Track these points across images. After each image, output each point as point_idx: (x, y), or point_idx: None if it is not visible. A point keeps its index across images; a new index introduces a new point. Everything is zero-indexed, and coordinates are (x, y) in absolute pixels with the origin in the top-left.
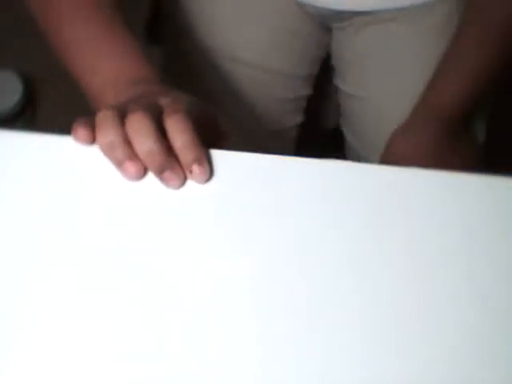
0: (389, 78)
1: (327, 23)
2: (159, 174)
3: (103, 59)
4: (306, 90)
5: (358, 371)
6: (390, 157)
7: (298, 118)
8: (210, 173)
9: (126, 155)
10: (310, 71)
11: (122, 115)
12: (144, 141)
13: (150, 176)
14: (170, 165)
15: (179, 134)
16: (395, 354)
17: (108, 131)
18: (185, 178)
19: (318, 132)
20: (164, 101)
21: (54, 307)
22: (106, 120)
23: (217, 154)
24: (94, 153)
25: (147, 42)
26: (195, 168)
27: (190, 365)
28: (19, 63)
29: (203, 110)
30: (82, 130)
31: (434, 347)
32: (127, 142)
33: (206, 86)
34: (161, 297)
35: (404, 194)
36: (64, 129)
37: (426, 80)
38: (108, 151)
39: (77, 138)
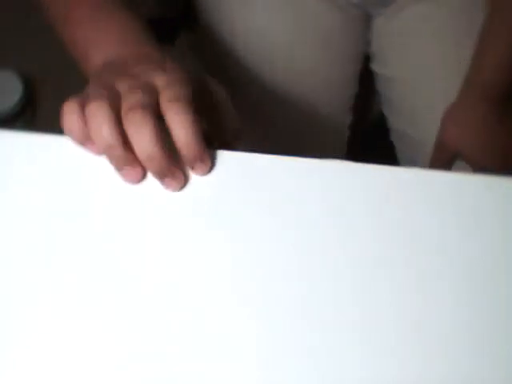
0: (431, 56)
1: (370, 11)
2: (159, 178)
3: (102, 34)
4: (354, 89)
5: (358, 371)
6: (444, 144)
7: (349, 118)
8: (212, 166)
9: (126, 160)
10: (356, 67)
11: (117, 104)
12: (145, 144)
13: (150, 176)
14: (171, 170)
15: (182, 130)
16: (395, 354)
17: (104, 131)
18: (185, 182)
19: (363, 123)
20: (160, 80)
21: (54, 307)
22: (101, 116)
23: (217, 154)
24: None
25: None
26: (198, 165)
27: (189, 365)
28: (19, 63)
29: (199, 81)
30: (75, 127)
31: (433, 347)
32: (126, 143)
33: (255, 94)
34: (161, 296)
35: (404, 193)
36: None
37: (468, 56)
38: (106, 152)
39: (70, 134)
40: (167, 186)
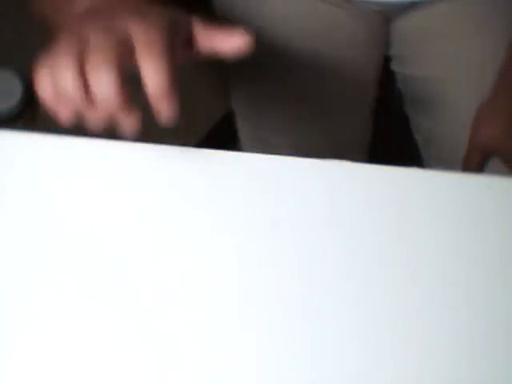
0: (455, 53)
1: (391, 15)
2: (113, 121)
3: None
4: (376, 91)
5: (359, 371)
6: (479, 144)
7: (371, 120)
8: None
9: (87, 107)
10: (378, 70)
11: (83, 48)
12: (100, 87)
13: (150, 176)
14: (124, 113)
15: (154, 84)
16: (395, 354)
17: (66, 83)
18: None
19: (384, 122)
20: (135, 27)
21: (54, 307)
22: (65, 67)
23: (217, 154)
24: (94, 153)
25: None
26: (162, 110)
27: (190, 365)
28: (19, 63)
29: (177, 21)
30: (48, 89)
31: (433, 347)
32: (85, 88)
33: (278, 100)
34: (161, 297)
35: (404, 193)
36: (64, 129)
37: (494, 52)
38: (65, 98)
39: (43, 96)
40: (124, 127)
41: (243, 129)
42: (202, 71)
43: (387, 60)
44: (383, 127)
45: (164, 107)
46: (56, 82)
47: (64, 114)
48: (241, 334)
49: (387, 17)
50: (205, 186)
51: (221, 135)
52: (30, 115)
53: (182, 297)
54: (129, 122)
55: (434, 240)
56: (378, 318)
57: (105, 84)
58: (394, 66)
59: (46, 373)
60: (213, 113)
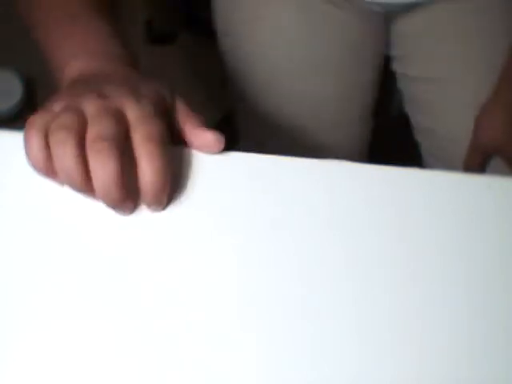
0: (454, 53)
1: (391, 15)
2: (110, 207)
3: (60, 36)
4: (376, 91)
5: (359, 371)
6: (481, 143)
7: (371, 121)
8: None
9: (86, 191)
10: (379, 70)
11: (82, 129)
12: (103, 180)
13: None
14: (123, 204)
15: (150, 175)
16: (395, 354)
17: (67, 164)
18: (134, 210)
19: (383, 122)
20: (132, 112)
21: (54, 307)
22: (65, 148)
23: (217, 154)
24: None
25: (147, 42)
26: (152, 207)
27: (190, 366)
28: (19, 63)
29: (171, 105)
30: (39, 158)
31: (433, 347)
32: (87, 172)
33: (274, 102)
34: (161, 297)
35: (404, 193)
36: None
37: (496, 52)
38: (66, 182)
39: (34, 165)
40: (115, 212)
41: (243, 130)
42: (203, 71)
43: (387, 60)
44: (383, 127)
45: (154, 204)
46: (54, 154)
47: (55, 180)
48: (241, 333)
49: (387, 17)
50: (204, 186)
51: None
52: (29, 115)
53: (182, 297)
54: (123, 209)
55: (434, 240)
56: (377, 318)
57: (106, 173)
58: (394, 66)
59: (46, 373)
60: (213, 113)
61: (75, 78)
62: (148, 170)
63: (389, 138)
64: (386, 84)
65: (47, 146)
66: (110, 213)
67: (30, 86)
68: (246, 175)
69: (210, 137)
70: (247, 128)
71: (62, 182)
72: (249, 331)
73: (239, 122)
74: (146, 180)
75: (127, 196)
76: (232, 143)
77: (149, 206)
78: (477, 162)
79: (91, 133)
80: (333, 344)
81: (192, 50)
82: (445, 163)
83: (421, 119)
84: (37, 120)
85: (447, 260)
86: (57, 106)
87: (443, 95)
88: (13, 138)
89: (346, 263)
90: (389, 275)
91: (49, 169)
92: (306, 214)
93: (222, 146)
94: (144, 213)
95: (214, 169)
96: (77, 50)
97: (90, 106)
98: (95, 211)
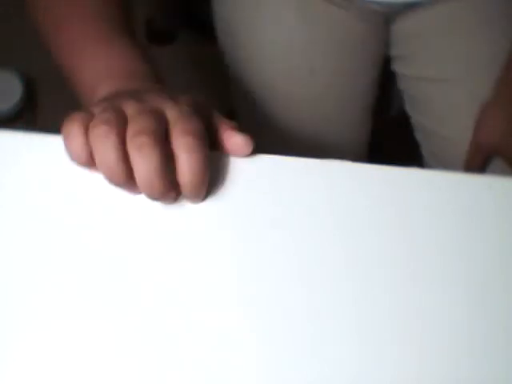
0: (455, 53)
1: (392, 16)
2: (153, 200)
3: (88, 57)
4: (376, 92)
5: (359, 371)
6: (481, 143)
7: (371, 121)
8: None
9: (127, 185)
10: (378, 70)
11: (123, 128)
12: (146, 173)
13: None
14: (166, 196)
15: (189, 171)
16: (395, 354)
17: (109, 160)
18: (176, 200)
19: (383, 122)
20: (171, 112)
21: (54, 307)
22: (106, 143)
23: (217, 154)
24: None
25: (147, 42)
26: (193, 199)
27: (190, 366)
28: (19, 63)
29: (208, 112)
30: (81, 153)
31: (433, 347)
32: (129, 167)
33: (272, 106)
34: (161, 297)
35: (404, 193)
36: None
37: (496, 52)
38: (107, 177)
39: (75, 159)
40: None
41: (243, 129)
42: (203, 71)
43: (387, 60)
44: (383, 127)
45: (193, 197)
46: (95, 148)
47: (92, 171)
48: (241, 333)
49: (387, 17)
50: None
51: None
52: (29, 115)
53: (182, 297)
54: (166, 200)
55: (434, 240)
56: (377, 318)
57: (149, 167)
58: (394, 66)
59: (46, 373)
60: None
61: (112, 92)
62: (187, 161)
63: (389, 138)
64: (386, 84)
65: (88, 142)
66: (110, 213)
67: (30, 86)
68: (246, 175)
69: (239, 139)
70: (247, 128)
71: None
72: (249, 331)
73: (239, 122)
74: (184, 171)
75: (170, 188)
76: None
77: (188, 197)
78: (477, 162)
79: (131, 129)
80: (333, 344)
81: (192, 49)
82: (445, 163)
83: (421, 119)
84: (77, 116)
85: (447, 260)
86: (96, 109)
87: (443, 95)
88: (13, 138)
89: (346, 263)
90: (389, 275)
91: (90, 163)
92: (306, 213)
93: (251, 149)
94: (144, 213)
95: (214, 168)
96: (111, 70)
97: (130, 107)
98: (95, 211)
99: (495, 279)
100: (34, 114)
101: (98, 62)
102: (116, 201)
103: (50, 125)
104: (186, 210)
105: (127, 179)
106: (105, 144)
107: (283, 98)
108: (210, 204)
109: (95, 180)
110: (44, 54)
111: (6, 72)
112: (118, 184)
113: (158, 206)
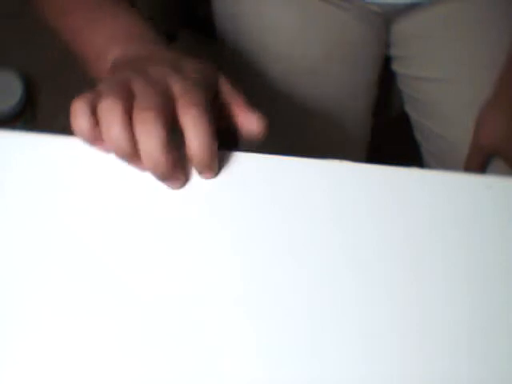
0: (455, 53)
1: (391, 16)
2: (159, 180)
3: (95, 26)
4: (376, 92)
5: (359, 371)
6: (481, 144)
7: (371, 121)
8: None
9: (133, 161)
10: (378, 71)
11: (130, 103)
12: (151, 150)
13: (152, 178)
14: (173, 175)
15: (196, 141)
16: (396, 354)
17: (115, 133)
18: (186, 182)
19: (383, 122)
20: (176, 85)
21: (54, 307)
22: (113, 116)
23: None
24: (94, 153)
25: None
26: (205, 173)
27: (190, 366)
28: (19, 63)
29: (215, 77)
30: (86, 128)
31: (433, 347)
32: (135, 144)
33: (277, 103)
34: (161, 296)
35: (404, 193)
36: (64, 129)
37: (492, 52)
38: (114, 152)
39: (80, 135)
40: (166, 186)
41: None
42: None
43: (387, 60)
44: (383, 127)
45: (205, 170)
46: (102, 121)
47: (100, 149)
48: (241, 333)
49: (387, 17)
50: (205, 186)
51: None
52: (29, 115)
53: (182, 297)
54: (173, 181)
55: (434, 240)
56: (377, 318)
57: (152, 142)
58: (394, 66)
59: (46, 372)
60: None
61: (118, 60)
62: (192, 133)
63: (389, 138)
64: (386, 84)
65: (94, 114)
66: (111, 212)
67: (30, 86)
68: (246, 175)
69: (252, 116)
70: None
71: (108, 151)
72: (249, 331)
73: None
74: (191, 144)
75: (175, 166)
76: (232, 143)
77: (199, 171)
78: (477, 162)
79: (137, 105)
80: (333, 343)
81: (192, 49)
82: (445, 163)
83: (421, 119)
84: (85, 94)
85: (447, 260)
86: (103, 86)
87: (443, 95)
88: (13, 138)
89: (346, 263)
90: (389, 275)
91: (95, 137)
92: (306, 214)
93: (264, 126)
94: (144, 213)
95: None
96: (115, 35)
97: (136, 83)
98: (95, 210)
99: (495, 279)
100: (34, 114)
101: (104, 29)
102: (116, 201)
103: (50, 125)
104: (186, 210)
105: (133, 153)
106: (111, 116)
107: (282, 97)
108: (210, 204)
109: (95, 180)
110: (44, 54)
111: (6, 72)
112: (124, 158)
113: (158, 206)
